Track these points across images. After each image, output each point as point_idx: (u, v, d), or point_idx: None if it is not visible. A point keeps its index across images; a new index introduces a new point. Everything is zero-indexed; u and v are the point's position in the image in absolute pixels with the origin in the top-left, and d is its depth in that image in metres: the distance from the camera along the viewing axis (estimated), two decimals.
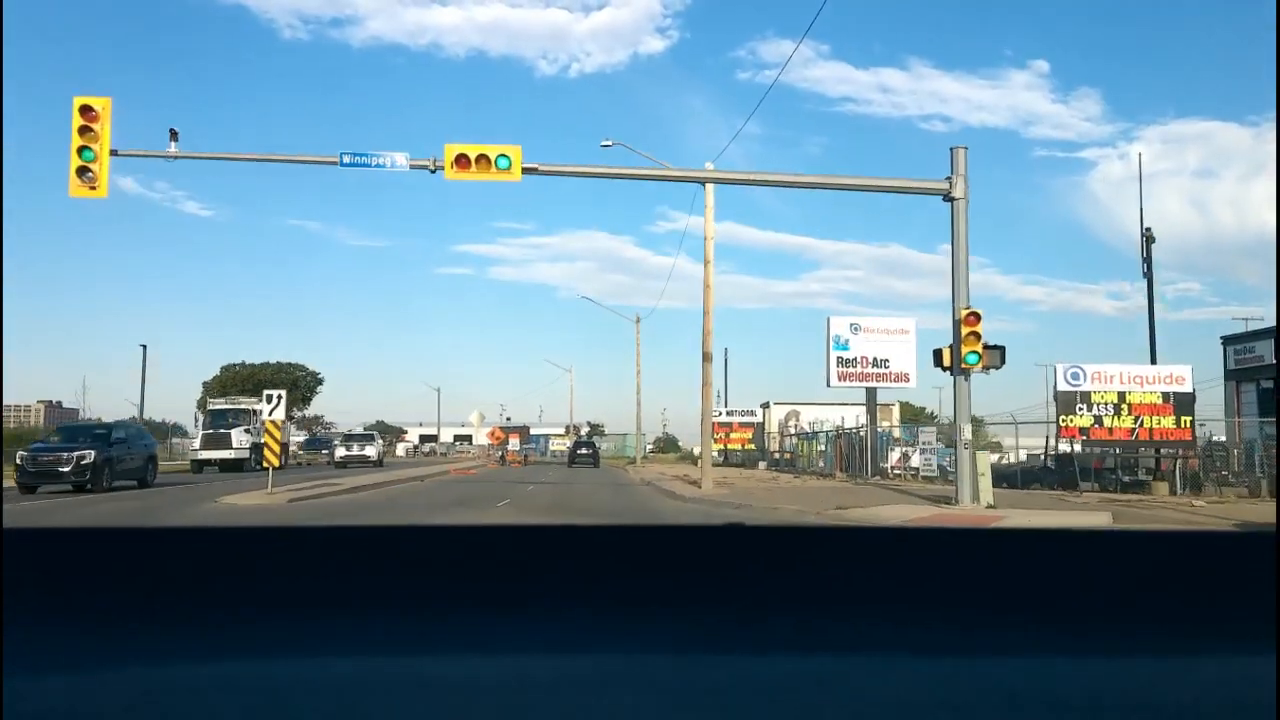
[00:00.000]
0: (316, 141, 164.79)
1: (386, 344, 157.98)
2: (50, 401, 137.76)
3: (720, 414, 54.15)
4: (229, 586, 0.98)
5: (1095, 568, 1.04)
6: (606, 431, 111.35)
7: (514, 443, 60.37)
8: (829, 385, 36.46)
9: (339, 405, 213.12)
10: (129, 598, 0.96)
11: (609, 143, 25.93)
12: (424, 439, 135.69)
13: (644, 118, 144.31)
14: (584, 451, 51.67)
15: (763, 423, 54.15)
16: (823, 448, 45.48)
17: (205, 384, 73.31)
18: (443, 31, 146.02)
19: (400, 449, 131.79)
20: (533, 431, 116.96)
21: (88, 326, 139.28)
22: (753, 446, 53.98)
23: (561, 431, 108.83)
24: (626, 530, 1.08)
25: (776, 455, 52.52)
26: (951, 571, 1.03)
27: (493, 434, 57.38)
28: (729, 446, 54.14)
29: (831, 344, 36.56)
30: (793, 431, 53.85)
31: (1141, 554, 1.06)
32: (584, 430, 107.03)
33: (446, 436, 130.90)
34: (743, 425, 54.91)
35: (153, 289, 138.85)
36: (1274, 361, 22.72)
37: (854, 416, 49.81)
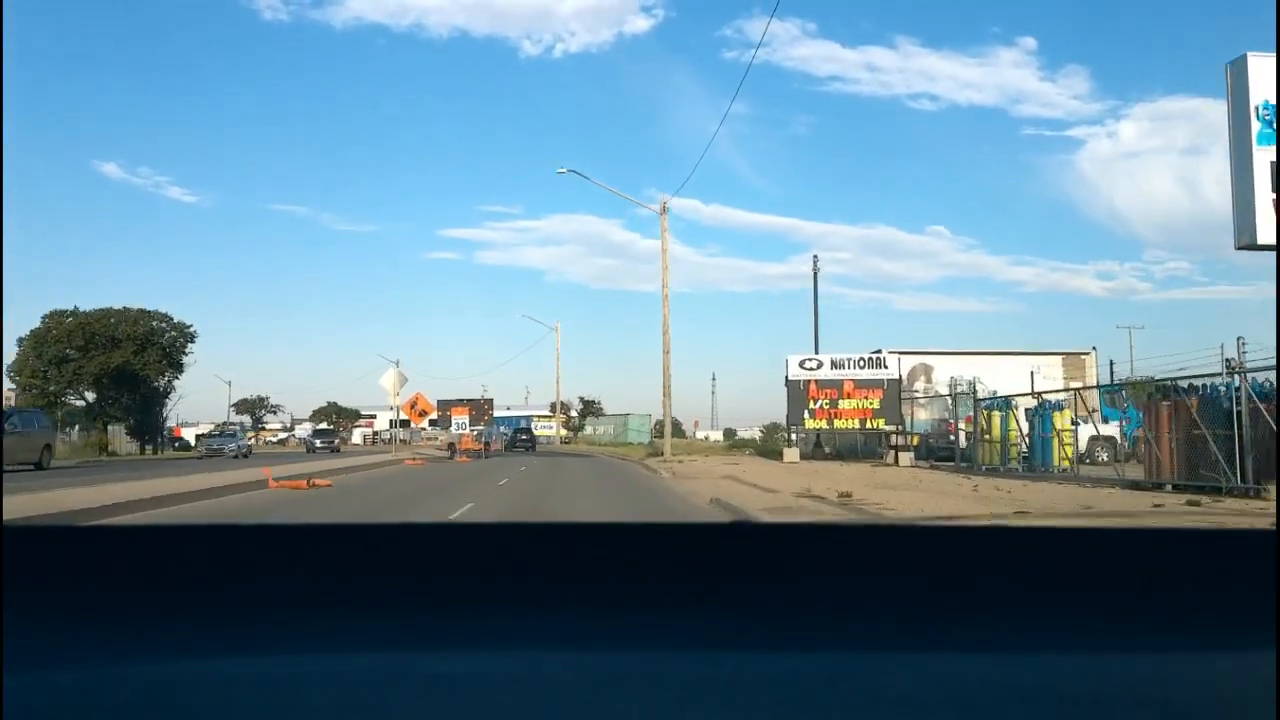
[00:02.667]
0: (294, 126, 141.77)
1: (365, 328, 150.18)
2: None
3: (817, 365, 30.98)
4: (236, 583, 0.97)
5: (1098, 564, 1.03)
6: (605, 411, 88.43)
7: (460, 421, 37.48)
8: (1254, 242, 13.07)
9: (305, 389, 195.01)
10: (135, 594, 0.95)
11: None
12: (391, 424, 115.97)
13: (630, 98, 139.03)
14: (524, 438, 50.75)
15: (898, 381, 30.42)
16: (1028, 428, 23.04)
17: (20, 340, 49.90)
18: (426, 11, 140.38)
19: (357, 435, 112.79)
20: (512, 412, 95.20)
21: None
22: (883, 423, 30.44)
23: (548, 412, 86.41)
24: (634, 528, 1.06)
25: (931, 441, 29.62)
26: (958, 568, 1.02)
27: (412, 406, 33.47)
28: (837, 423, 31.04)
29: (1254, 131, 13.11)
30: (948, 392, 30.51)
31: (1144, 550, 1.07)
32: (575, 409, 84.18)
33: (422, 421, 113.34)
34: (862, 386, 30.68)
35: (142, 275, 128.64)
36: None
37: (1018, 374, 27.14)
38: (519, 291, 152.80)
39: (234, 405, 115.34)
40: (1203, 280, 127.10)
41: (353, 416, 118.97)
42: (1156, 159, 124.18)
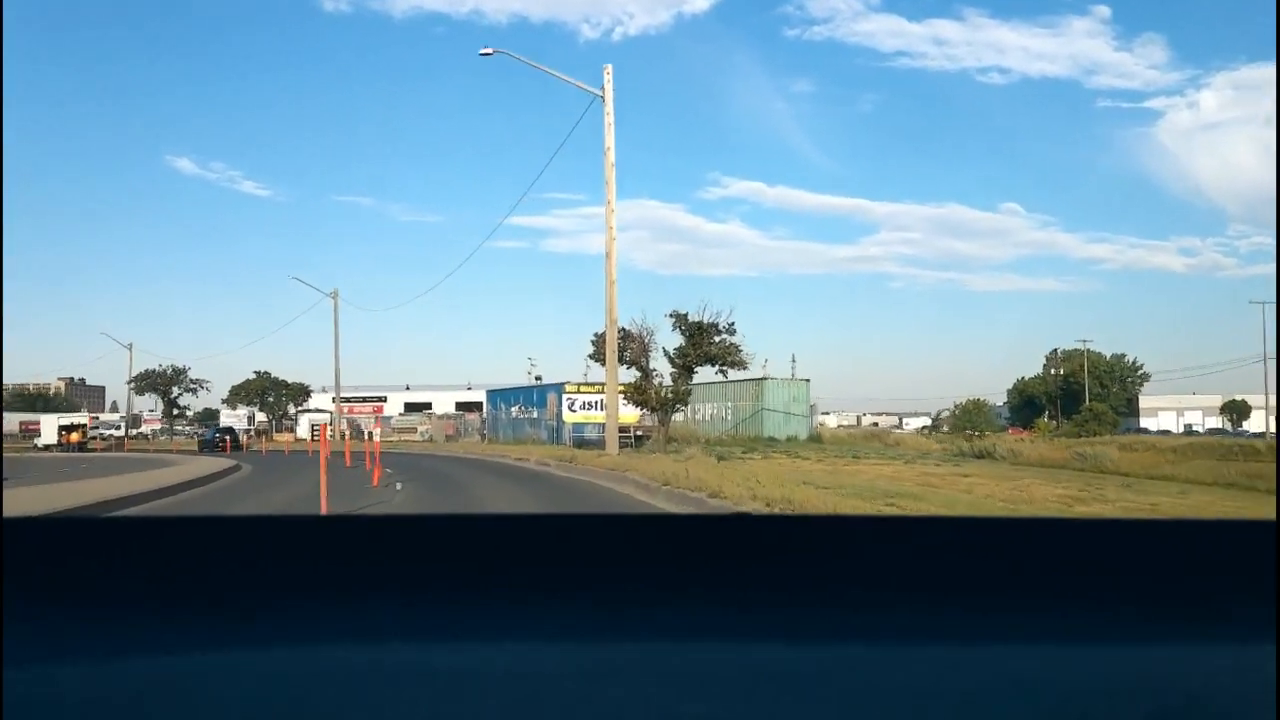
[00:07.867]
0: (355, 114, 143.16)
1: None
2: (71, 379, 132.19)
3: None
4: (234, 577, 0.98)
5: (1102, 557, 1.04)
6: (702, 375, 34.52)
7: None
8: None
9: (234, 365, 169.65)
10: (134, 588, 0.95)
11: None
12: (410, 407, 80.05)
13: (690, 79, 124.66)
14: (228, 439, 46.31)
15: None
16: None
17: None
18: None
19: (304, 425, 71.88)
20: (541, 379, 50.93)
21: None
22: None
23: (590, 363, 41.03)
24: (630, 520, 1.07)
25: None
26: (956, 560, 1.03)
27: None
28: None
29: None
30: None
31: (1147, 542, 1.07)
32: (655, 351, 33.87)
33: (447, 403, 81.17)
34: None
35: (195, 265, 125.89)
36: None
37: None
38: (586, 280, 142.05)
39: (132, 381, 74.04)
40: None
41: (296, 394, 75.91)
42: (1239, 130, 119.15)
